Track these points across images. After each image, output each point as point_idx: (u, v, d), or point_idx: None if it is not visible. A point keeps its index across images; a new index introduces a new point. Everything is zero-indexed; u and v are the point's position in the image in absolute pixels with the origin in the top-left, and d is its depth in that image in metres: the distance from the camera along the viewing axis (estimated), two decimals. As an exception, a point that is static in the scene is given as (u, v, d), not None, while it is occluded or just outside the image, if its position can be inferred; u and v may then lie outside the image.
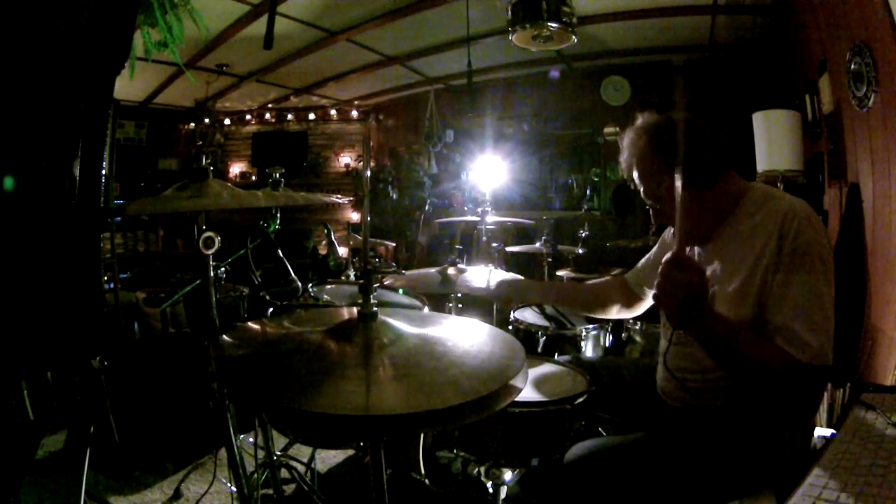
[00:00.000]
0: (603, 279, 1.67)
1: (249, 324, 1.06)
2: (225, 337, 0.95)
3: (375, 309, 0.90)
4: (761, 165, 2.62)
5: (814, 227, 1.04)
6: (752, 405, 1.08)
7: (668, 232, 1.44)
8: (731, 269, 1.13)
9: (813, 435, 1.14)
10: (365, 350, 0.85)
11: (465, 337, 0.94)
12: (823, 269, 1.02)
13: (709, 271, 1.18)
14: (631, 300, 1.56)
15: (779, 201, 1.10)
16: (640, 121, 1.22)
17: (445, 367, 0.81)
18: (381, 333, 0.88)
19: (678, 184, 0.94)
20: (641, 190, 1.23)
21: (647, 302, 1.54)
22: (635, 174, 1.23)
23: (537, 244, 2.96)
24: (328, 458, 2.28)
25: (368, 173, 0.97)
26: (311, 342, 0.89)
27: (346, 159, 7.04)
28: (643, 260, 1.54)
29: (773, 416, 1.10)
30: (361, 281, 0.90)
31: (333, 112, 6.97)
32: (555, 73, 5.36)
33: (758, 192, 1.16)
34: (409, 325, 0.93)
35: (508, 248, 3.05)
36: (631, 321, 2.46)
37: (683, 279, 0.92)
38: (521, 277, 1.82)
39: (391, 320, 0.92)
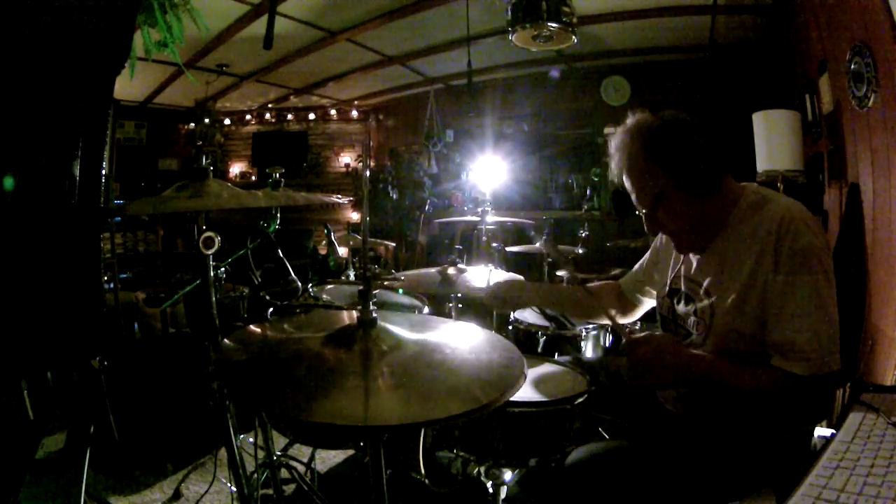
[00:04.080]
0: (599, 283, 1.65)
1: (250, 327, 1.05)
2: (226, 341, 0.95)
3: (375, 315, 0.90)
4: (761, 165, 2.62)
5: (811, 230, 1.01)
6: (752, 412, 1.08)
7: (660, 238, 1.40)
8: (728, 278, 1.09)
9: (813, 435, 1.13)
10: (364, 358, 0.84)
11: (464, 344, 0.93)
12: (824, 271, 0.99)
13: (706, 283, 1.15)
14: (625, 307, 1.53)
15: (774, 205, 1.06)
16: (630, 121, 1.15)
17: (444, 376, 0.81)
18: (380, 340, 0.87)
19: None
20: (633, 196, 1.16)
21: (642, 309, 1.52)
22: (626, 180, 1.16)
23: (537, 244, 2.96)
24: (328, 458, 2.28)
25: (368, 173, 0.97)
26: (311, 349, 0.89)
27: (346, 159, 7.04)
28: (637, 266, 1.51)
29: (774, 422, 1.09)
30: (362, 288, 0.90)
31: (333, 112, 6.97)
32: (555, 73, 5.37)
33: (751, 195, 1.11)
34: (408, 331, 0.92)
35: (508, 248, 3.05)
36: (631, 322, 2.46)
37: (644, 353, 1.00)
38: (520, 278, 1.80)
39: (391, 326, 0.91)
